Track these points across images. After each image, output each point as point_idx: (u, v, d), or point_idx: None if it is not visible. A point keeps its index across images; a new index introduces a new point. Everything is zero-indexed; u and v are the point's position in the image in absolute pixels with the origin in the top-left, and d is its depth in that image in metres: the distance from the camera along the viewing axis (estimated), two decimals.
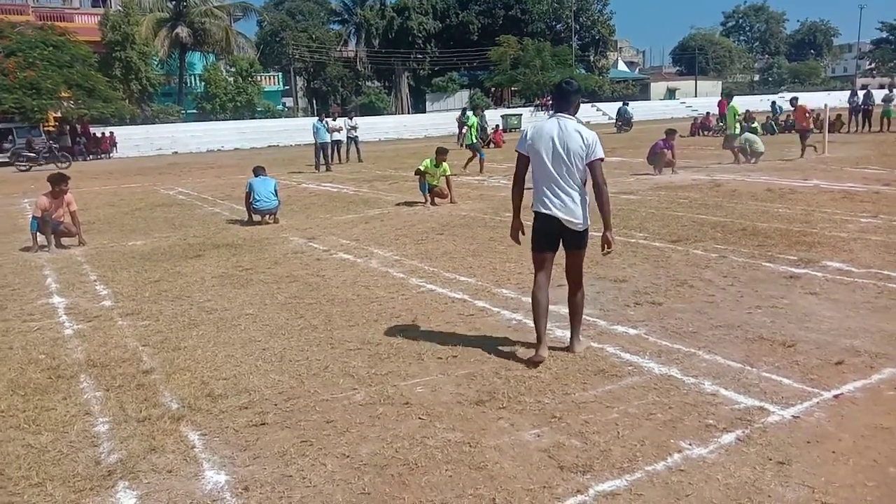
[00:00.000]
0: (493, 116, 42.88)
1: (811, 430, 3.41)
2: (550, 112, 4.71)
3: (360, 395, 4.08)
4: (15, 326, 5.87)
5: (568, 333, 4.74)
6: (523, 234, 4.69)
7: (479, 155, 18.42)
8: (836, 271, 6.33)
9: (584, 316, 4.81)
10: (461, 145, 29.76)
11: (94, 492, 3.15)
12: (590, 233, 4.56)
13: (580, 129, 4.38)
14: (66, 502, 3.08)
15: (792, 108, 18.49)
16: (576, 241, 4.49)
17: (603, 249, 4.47)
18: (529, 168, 4.55)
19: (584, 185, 4.44)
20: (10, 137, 32.78)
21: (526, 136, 4.50)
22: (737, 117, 16.44)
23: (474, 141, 19.25)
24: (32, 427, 3.85)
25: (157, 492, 3.14)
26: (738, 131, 16.57)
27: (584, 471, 3.12)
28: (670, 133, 15.24)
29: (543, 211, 4.42)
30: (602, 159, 4.40)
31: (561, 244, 4.55)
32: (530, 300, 4.60)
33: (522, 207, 4.62)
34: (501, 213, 10.72)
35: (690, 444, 3.32)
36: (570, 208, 4.37)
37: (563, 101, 4.52)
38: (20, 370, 4.77)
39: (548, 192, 4.40)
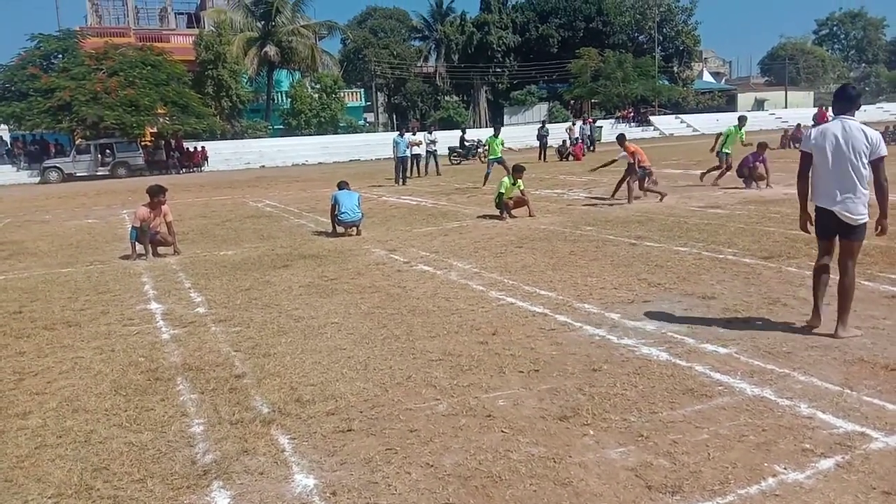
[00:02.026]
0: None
1: None
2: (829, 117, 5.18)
3: (443, 406, 4.11)
4: (116, 330, 6.21)
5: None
6: (811, 223, 5.06)
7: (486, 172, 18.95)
8: None
9: (672, 333, 4.76)
10: (542, 159, 29.76)
11: (190, 490, 3.29)
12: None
13: (864, 129, 4.78)
14: (165, 499, 3.23)
15: None
16: (850, 232, 4.88)
17: (876, 230, 4.96)
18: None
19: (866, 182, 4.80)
20: (106, 154, 34.83)
21: (810, 136, 4.94)
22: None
23: (499, 155, 18.87)
24: (134, 426, 4.06)
25: (250, 493, 3.25)
26: None
27: (673, 491, 3.04)
28: (762, 146, 14.74)
29: (822, 206, 4.88)
30: (884, 157, 4.77)
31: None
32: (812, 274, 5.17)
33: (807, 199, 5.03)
34: (581, 227, 10.61)
35: (786, 469, 3.18)
36: (848, 204, 4.78)
37: (847, 103, 4.91)
38: (122, 372, 5.04)
39: (828, 188, 4.82)
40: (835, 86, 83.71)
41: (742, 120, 16.29)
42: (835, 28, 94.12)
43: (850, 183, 4.76)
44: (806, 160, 4.95)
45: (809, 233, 5.17)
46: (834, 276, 5.10)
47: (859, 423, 3.59)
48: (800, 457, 3.29)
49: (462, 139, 33.87)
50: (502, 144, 19.66)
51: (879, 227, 4.95)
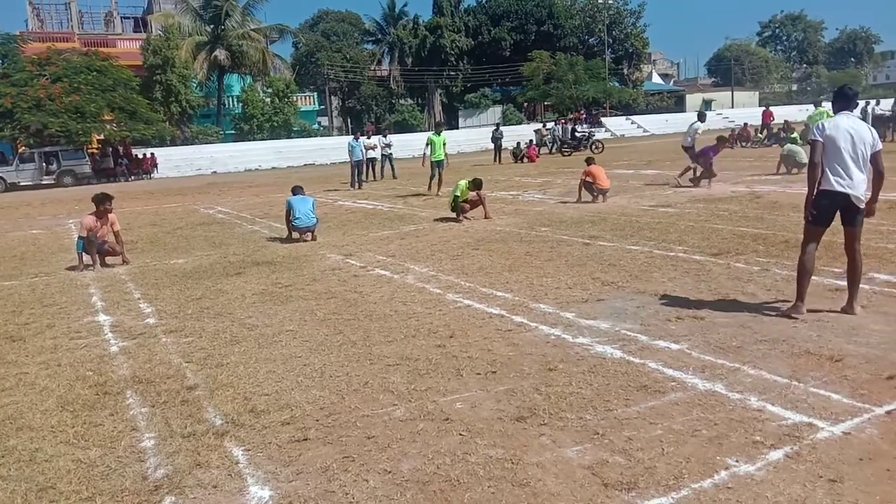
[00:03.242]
0: (527, 131, 42.97)
1: (863, 447, 3.31)
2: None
3: (401, 411, 4.09)
4: (63, 344, 6.02)
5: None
6: (815, 210, 5.33)
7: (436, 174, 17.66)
8: (884, 283, 6.18)
9: (625, 331, 4.95)
10: (497, 161, 29.97)
11: None
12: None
13: (867, 125, 5.36)
14: None
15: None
16: (857, 214, 5.31)
17: (867, 215, 5.37)
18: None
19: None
20: (51, 162, 33.82)
21: (823, 127, 5.30)
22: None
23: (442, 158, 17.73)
24: (81, 442, 3.94)
25: None
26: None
27: (628, 488, 3.08)
28: (721, 140, 15.11)
29: (837, 189, 5.21)
30: (881, 149, 5.32)
31: (840, 221, 5.37)
32: (797, 265, 5.48)
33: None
34: (537, 228, 10.70)
35: (737, 461, 3.25)
36: (860, 189, 5.22)
37: (846, 101, 5.43)
38: (69, 387, 4.88)
39: (841, 173, 5.20)
40: (779, 86, 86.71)
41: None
42: (777, 30, 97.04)
43: (860, 170, 5.24)
44: (819, 148, 5.27)
45: (811, 219, 5.40)
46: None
47: (806, 414, 3.69)
48: (750, 449, 3.37)
49: (573, 130, 34.13)
50: (444, 145, 17.95)
51: (870, 212, 5.38)
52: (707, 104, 73.90)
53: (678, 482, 3.10)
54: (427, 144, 17.68)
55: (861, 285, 6.11)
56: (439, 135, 17.97)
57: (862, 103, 26.35)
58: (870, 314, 5.33)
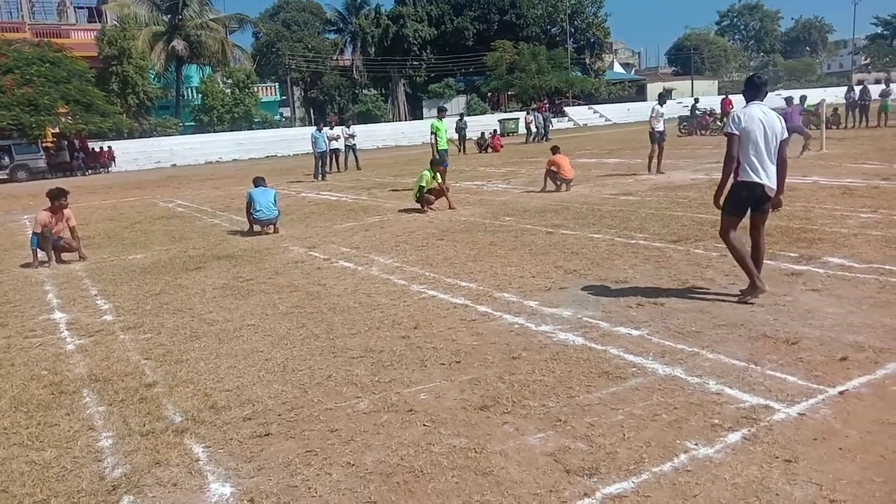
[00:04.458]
0: (491, 121, 43.07)
1: (817, 427, 3.39)
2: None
3: (364, 404, 4.07)
4: (17, 343, 5.86)
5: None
6: (734, 202, 5.47)
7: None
8: (838, 267, 6.32)
9: (587, 318, 5.08)
10: (461, 151, 29.94)
11: None
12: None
13: (777, 115, 5.44)
14: None
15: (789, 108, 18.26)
16: (766, 202, 5.45)
17: (773, 209, 5.56)
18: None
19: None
20: (4, 157, 32.83)
21: (738, 119, 5.37)
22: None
23: (446, 148, 16.87)
24: (36, 444, 3.84)
25: None
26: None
27: (590, 474, 3.11)
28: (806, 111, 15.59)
29: (754, 179, 5.32)
30: (788, 138, 5.50)
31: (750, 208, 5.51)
32: (730, 254, 5.64)
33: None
34: (501, 218, 10.73)
35: (696, 445, 3.30)
36: (772, 178, 5.36)
37: (755, 91, 5.49)
38: (23, 387, 4.76)
39: (757, 165, 5.32)
40: (737, 74, 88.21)
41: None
42: (735, 19, 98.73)
43: (772, 160, 5.37)
44: (735, 141, 5.35)
45: (720, 207, 5.58)
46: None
47: (763, 397, 3.77)
48: (709, 432, 3.42)
49: (693, 108, 32.58)
50: (446, 132, 16.69)
51: (777, 206, 5.55)
52: (668, 93, 74.82)
53: (639, 466, 3.14)
54: (433, 132, 16.43)
55: (815, 269, 6.28)
56: (441, 120, 16.86)
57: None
58: (824, 297, 5.46)
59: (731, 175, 5.43)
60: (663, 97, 16.48)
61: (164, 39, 46.39)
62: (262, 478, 3.30)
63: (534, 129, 35.16)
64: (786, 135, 5.41)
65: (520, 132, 42.53)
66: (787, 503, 2.80)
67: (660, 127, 15.24)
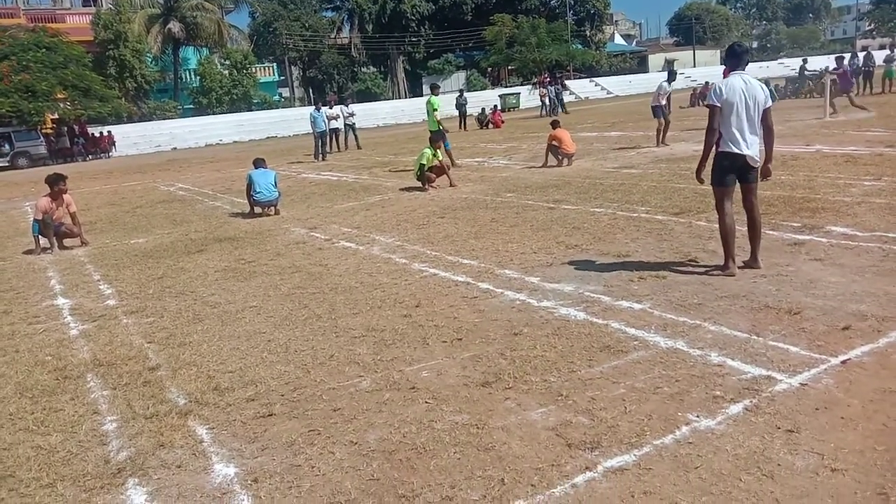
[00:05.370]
0: (492, 96, 42.75)
1: (819, 397, 3.39)
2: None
3: (367, 382, 4.08)
4: (21, 329, 5.89)
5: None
6: (718, 173, 5.46)
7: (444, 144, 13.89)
8: (841, 236, 6.29)
9: (588, 292, 5.05)
10: (462, 128, 29.77)
11: (104, 490, 3.16)
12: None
13: (759, 84, 5.35)
14: (77, 502, 3.09)
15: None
16: (754, 175, 5.40)
17: (762, 178, 5.46)
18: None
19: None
20: (4, 144, 32.73)
21: (719, 90, 5.30)
22: None
23: (438, 128, 15.53)
24: (41, 428, 3.86)
25: (167, 487, 3.14)
26: None
27: (592, 447, 3.11)
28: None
29: (735, 150, 5.28)
30: (771, 106, 5.38)
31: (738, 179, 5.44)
32: (719, 228, 5.55)
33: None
34: (502, 194, 10.69)
35: (698, 417, 3.30)
36: (754, 149, 5.30)
37: (736, 59, 5.45)
38: (27, 373, 4.78)
39: (738, 136, 5.26)
40: None
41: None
42: None
43: (754, 130, 5.30)
44: (717, 114, 5.30)
45: (702, 183, 5.69)
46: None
47: (765, 368, 3.76)
48: (711, 404, 3.42)
49: (802, 68, 28.83)
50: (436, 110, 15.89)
51: (766, 175, 5.48)
52: (670, 63, 74.20)
53: (640, 439, 3.14)
54: (435, 109, 15.84)
55: (818, 238, 6.24)
56: (436, 96, 16.47)
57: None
58: (827, 266, 5.43)
59: (713, 146, 5.40)
60: (673, 74, 16.43)
61: (160, 21, 46.08)
62: (265, 458, 3.32)
63: (547, 102, 34.77)
64: (769, 103, 5.35)
65: (521, 107, 42.36)
66: (789, 473, 2.80)
67: (664, 102, 15.25)
